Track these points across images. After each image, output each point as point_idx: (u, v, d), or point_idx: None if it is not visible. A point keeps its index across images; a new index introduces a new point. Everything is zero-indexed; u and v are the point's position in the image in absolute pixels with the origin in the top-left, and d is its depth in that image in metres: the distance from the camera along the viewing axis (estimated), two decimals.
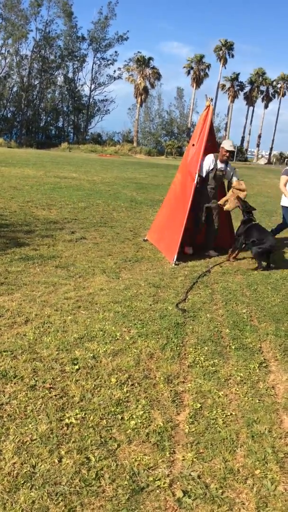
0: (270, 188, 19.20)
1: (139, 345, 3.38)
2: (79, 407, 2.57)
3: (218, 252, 6.58)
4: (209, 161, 6.20)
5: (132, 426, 2.44)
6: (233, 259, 6.37)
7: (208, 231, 6.59)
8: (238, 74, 61.13)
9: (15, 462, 2.11)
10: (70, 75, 53.22)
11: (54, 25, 57.16)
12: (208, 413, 2.62)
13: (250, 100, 63.16)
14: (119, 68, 54.96)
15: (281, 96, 63.56)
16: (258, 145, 67.22)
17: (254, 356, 3.41)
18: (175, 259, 5.85)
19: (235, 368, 3.19)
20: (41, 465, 2.11)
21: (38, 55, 49.80)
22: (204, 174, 6.21)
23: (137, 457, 2.22)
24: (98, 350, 3.24)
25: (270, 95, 63.74)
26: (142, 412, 2.57)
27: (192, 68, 57.51)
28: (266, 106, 64.63)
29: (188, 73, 57.96)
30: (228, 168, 6.40)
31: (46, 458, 2.15)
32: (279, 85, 63.38)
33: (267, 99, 63.77)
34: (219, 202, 6.33)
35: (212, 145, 6.50)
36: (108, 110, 56.00)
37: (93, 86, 54.27)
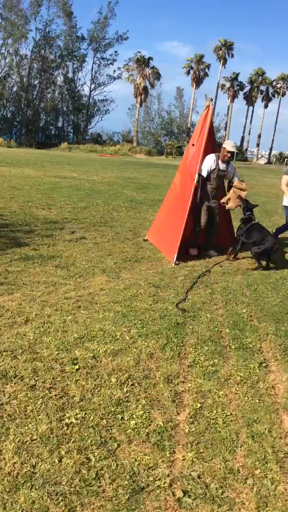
0: (270, 188, 19.20)
1: (139, 345, 3.38)
2: (79, 407, 2.57)
3: (218, 252, 6.58)
4: (210, 161, 6.19)
5: (132, 426, 2.44)
6: (233, 258, 6.37)
7: (209, 231, 6.58)
8: (238, 74, 61.20)
9: (15, 462, 2.11)
10: (70, 75, 53.23)
11: (54, 25, 57.29)
12: (208, 413, 2.62)
13: (250, 100, 63.14)
14: (119, 68, 55.18)
15: (281, 96, 63.60)
16: (258, 145, 67.25)
17: (254, 356, 3.41)
18: (175, 259, 5.85)
19: (235, 368, 3.19)
20: (41, 465, 2.11)
21: (38, 55, 49.77)
22: (205, 174, 6.19)
23: (137, 457, 2.22)
24: (98, 350, 3.24)
25: (270, 95, 63.75)
26: (142, 412, 2.57)
27: (192, 68, 57.53)
28: (266, 106, 64.68)
29: (188, 73, 57.99)
30: (229, 168, 6.40)
31: (46, 458, 2.15)
32: (279, 85, 63.39)
33: (267, 99, 63.78)
34: (222, 201, 6.32)
35: (212, 145, 6.50)
36: (108, 110, 56.03)
37: (93, 86, 54.30)
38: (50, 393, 2.68)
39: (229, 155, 6.28)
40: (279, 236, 7.41)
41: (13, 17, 46.70)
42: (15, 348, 3.16)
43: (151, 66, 53.21)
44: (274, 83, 63.24)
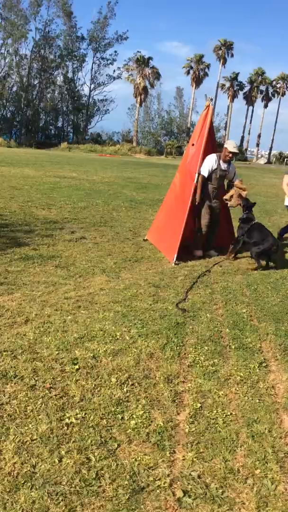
0: (270, 188, 19.20)
1: (139, 344, 3.38)
2: (79, 407, 2.57)
3: (218, 252, 6.58)
4: (212, 161, 6.16)
5: (132, 426, 2.44)
6: (233, 258, 6.37)
7: (210, 231, 6.56)
8: (238, 73, 61.21)
9: (15, 462, 2.11)
10: (70, 75, 53.23)
11: (53, 25, 57.29)
12: (208, 413, 2.62)
13: (249, 100, 63.15)
14: (118, 68, 55.13)
15: (281, 96, 63.59)
16: (257, 145, 67.25)
17: (254, 355, 3.41)
18: (175, 259, 5.85)
19: (235, 368, 3.19)
20: (41, 465, 2.11)
21: (38, 55, 49.76)
22: (206, 174, 6.17)
23: (137, 457, 2.22)
24: (98, 350, 3.24)
25: (269, 94, 63.75)
26: (142, 412, 2.57)
27: (191, 67, 57.53)
28: (265, 106, 64.68)
29: (188, 72, 57.99)
30: (230, 168, 6.39)
31: (46, 458, 2.15)
32: (278, 85, 63.39)
33: (267, 99, 63.77)
34: (224, 197, 6.30)
35: (212, 145, 6.49)
36: (108, 110, 56.04)
37: (92, 86, 54.30)
38: (50, 393, 2.68)
39: (230, 155, 6.27)
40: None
41: (13, 17, 46.71)
42: (15, 348, 3.16)
43: (151, 66, 53.23)
44: (274, 83, 63.24)
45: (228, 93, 61.60)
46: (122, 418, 2.51)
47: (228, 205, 6.35)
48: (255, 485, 2.11)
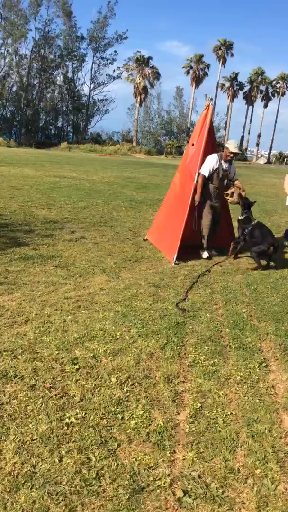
0: (270, 188, 19.20)
1: (139, 344, 3.38)
2: (79, 406, 2.57)
3: (218, 252, 6.58)
4: (213, 161, 6.13)
5: (132, 426, 2.44)
6: (234, 258, 6.37)
7: (212, 231, 6.54)
8: (238, 73, 61.18)
9: (16, 461, 2.11)
10: (70, 74, 53.23)
11: (53, 25, 57.32)
12: (208, 413, 2.63)
13: (249, 100, 63.13)
14: (118, 68, 55.05)
15: (281, 96, 63.58)
16: (257, 145, 67.23)
17: (254, 355, 3.41)
18: (175, 259, 5.85)
19: (235, 368, 3.19)
20: (41, 465, 2.11)
21: (38, 54, 49.75)
22: (207, 174, 6.14)
23: (138, 457, 2.22)
24: (98, 349, 3.24)
25: (269, 94, 63.73)
26: (143, 411, 2.57)
27: (191, 67, 57.51)
28: (265, 106, 64.65)
29: (188, 72, 57.98)
30: (231, 168, 6.38)
31: (46, 458, 2.15)
32: (278, 85, 63.37)
33: (267, 99, 63.74)
34: (225, 192, 6.27)
35: (212, 145, 6.49)
36: (108, 109, 56.04)
37: (92, 86, 54.30)
38: (50, 392, 2.68)
39: (232, 155, 6.25)
40: (279, 236, 7.41)
41: (13, 17, 46.71)
42: (15, 348, 3.16)
43: (151, 65, 53.22)
44: (274, 82, 63.22)
45: (228, 93, 61.58)
46: (122, 418, 2.51)
47: (229, 201, 6.31)
48: (255, 485, 2.11)
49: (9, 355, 3.06)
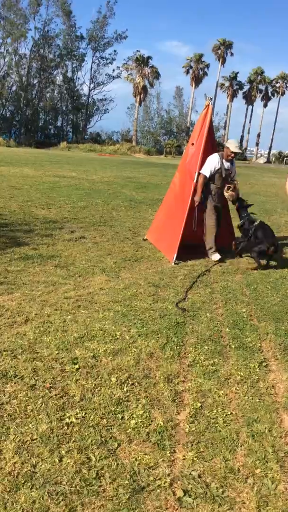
0: (270, 187, 19.20)
1: (139, 344, 3.38)
2: (79, 406, 2.57)
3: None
4: (215, 161, 6.07)
5: (132, 426, 2.44)
6: (240, 256, 6.38)
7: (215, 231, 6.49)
8: (237, 73, 61.25)
9: (16, 461, 2.11)
10: (69, 74, 53.28)
11: (53, 24, 57.22)
12: (209, 413, 2.62)
13: (249, 99, 63.16)
14: (118, 67, 55.06)
15: (280, 95, 63.61)
16: (257, 144, 67.26)
17: (254, 355, 3.41)
18: (174, 258, 5.84)
19: (235, 367, 3.19)
20: (41, 465, 2.11)
21: (37, 54, 49.76)
22: (208, 174, 6.07)
23: (138, 457, 2.22)
24: (98, 349, 3.24)
25: (269, 94, 63.75)
26: (143, 411, 2.57)
27: (191, 67, 57.54)
28: (265, 105, 64.71)
29: (187, 72, 58.00)
30: (232, 167, 6.36)
31: (46, 458, 2.15)
32: (278, 84, 63.39)
33: (266, 98, 63.77)
34: (228, 185, 6.22)
35: (212, 145, 6.48)
36: (107, 109, 56.11)
37: (92, 85, 54.34)
38: (50, 392, 2.68)
39: (232, 155, 6.22)
40: (278, 236, 7.40)
41: (12, 16, 46.73)
42: (15, 348, 3.15)
43: (150, 65, 53.24)
44: (274, 82, 63.23)
45: (227, 93, 61.61)
46: (122, 417, 2.51)
47: (227, 194, 6.22)
48: (255, 484, 2.11)
49: (9, 355, 3.06)
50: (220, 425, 2.52)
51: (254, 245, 5.99)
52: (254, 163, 56.07)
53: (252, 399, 2.81)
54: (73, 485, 2.00)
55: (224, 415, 2.61)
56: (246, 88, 62.79)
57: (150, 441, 2.34)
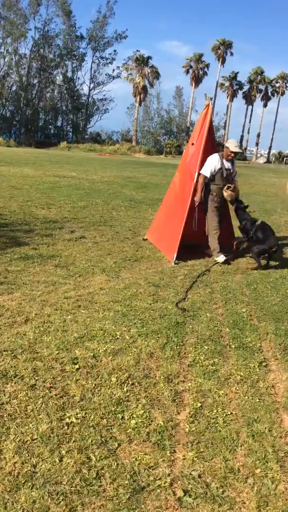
0: (269, 187, 19.20)
1: (139, 344, 3.38)
2: (80, 406, 2.57)
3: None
4: (215, 161, 6.04)
5: (132, 426, 2.44)
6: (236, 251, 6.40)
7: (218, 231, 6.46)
8: (237, 73, 61.21)
9: (16, 461, 2.11)
10: (69, 74, 53.29)
11: (53, 24, 57.29)
12: (209, 412, 2.63)
13: (249, 99, 63.15)
14: (118, 67, 55.07)
15: (280, 95, 63.58)
16: (257, 144, 67.23)
17: (254, 355, 3.41)
18: (174, 258, 5.84)
19: (235, 367, 3.19)
20: (41, 465, 2.11)
21: (37, 54, 49.77)
22: (208, 175, 6.05)
23: (138, 457, 2.22)
24: (98, 349, 3.24)
25: (269, 94, 63.73)
26: (143, 411, 2.57)
27: (191, 67, 57.52)
28: (265, 105, 64.69)
29: (187, 72, 57.98)
30: (233, 167, 6.34)
31: (46, 458, 2.15)
32: (277, 84, 63.37)
33: (266, 98, 63.75)
34: (228, 185, 6.20)
35: (212, 144, 6.48)
36: (107, 109, 56.13)
37: (92, 85, 54.35)
38: (50, 392, 2.68)
39: (232, 154, 6.20)
40: (278, 236, 7.40)
41: (12, 16, 46.73)
42: (15, 348, 3.15)
43: (150, 65, 53.21)
44: (273, 82, 63.21)
45: (227, 92, 61.59)
46: (122, 417, 2.51)
47: (225, 195, 6.21)
48: (255, 484, 2.11)
49: (9, 354, 3.06)
50: (220, 425, 2.52)
51: (255, 245, 5.99)
52: (254, 163, 56.06)
53: (252, 399, 2.81)
54: (73, 485, 2.01)
55: (224, 415, 2.61)
56: (246, 88, 62.81)
57: (150, 441, 2.34)
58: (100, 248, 6.22)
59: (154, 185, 15.45)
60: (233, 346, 3.52)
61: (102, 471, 2.11)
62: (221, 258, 6.12)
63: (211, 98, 6.12)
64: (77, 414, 2.49)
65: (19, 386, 2.71)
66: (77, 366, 2.98)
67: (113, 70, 60.21)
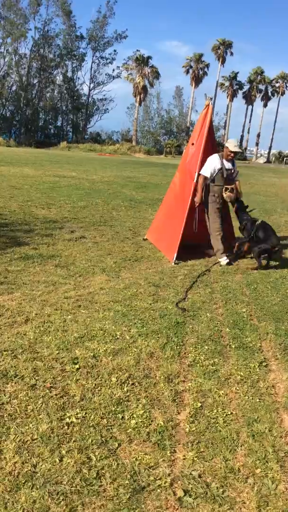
0: (269, 187, 19.20)
1: (139, 344, 3.38)
2: (80, 406, 2.57)
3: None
4: (215, 162, 6.02)
5: (132, 425, 2.44)
6: (243, 256, 6.39)
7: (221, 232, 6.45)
8: (237, 73, 61.23)
9: (16, 461, 2.11)
10: (69, 74, 53.31)
11: (53, 24, 57.32)
12: (209, 412, 2.63)
13: (249, 99, 63.15)
14: (118, 67, 55.10)
15: (280, 95, 63.58)
16: (257, 144, 67.23)
17: (254, 355, 3.41)
18: (174, 258, 5.84)
19: (235, 367, 3.19)
20: (42, 465, 2.11)
21: (37, 54, 49.79)
22: (208, 175, 6.03)
23: (138, 456, 2.22)
24: (98, 349, 3.24)
25: (269, 94, 63.73)
26: (143, 411, 2.57)
27: (191, 67, 57.52)
28: (265, 105, 64.69)
29: (187, 72, 57.98)
30: (234, 167, 6.33)
31: (47, 458, 2.15)
32: (277, 84, 63.36)
33: (266, 98, 63.75)
34: (226, 186, 6.18)
35: (212, 144, 6.47)
36: (107, 109, 56.15)
37: (92, 85, 54.37)
38: (50, 392, 2.68)
39: (232, 154, 6.19)
40: (279, 236, 7.40)
41: (12, 16, 46.74)
42: (15, 348, 3.16)
43: (150, 65, 53.23)
44: (273, 82, 63.21)
45: (227, 92, 61.59)
46: (122, 417, 2.51)
47: (225, 196, 6.19)
48: (255, 484, 2.11)
49: (9, 354, 3.06)
50: (220, 425, 2.52)
51: (256, 245, 5.98)
52: (254, 163, 56.05)
53: (252, 399, 2.81)
54: (74, 485, 2.01)
55: (224, 415, 2.61)
56: (246, 88, 62.82)
57: (151, 441, 2.34)
58: (100, 248, 6.22)
59: (154, 185, 15.45)
60: (233, 346, 3.52)
61: (102, 471, 2.11)
62: (224, 260, 6.09)
63: (211, 98, 6.12)
64: (77, 414, 2.50)
65: (19, 386, 2.71)
66: (77, 366, 2.98)
67: (113, 70, 60.41)
